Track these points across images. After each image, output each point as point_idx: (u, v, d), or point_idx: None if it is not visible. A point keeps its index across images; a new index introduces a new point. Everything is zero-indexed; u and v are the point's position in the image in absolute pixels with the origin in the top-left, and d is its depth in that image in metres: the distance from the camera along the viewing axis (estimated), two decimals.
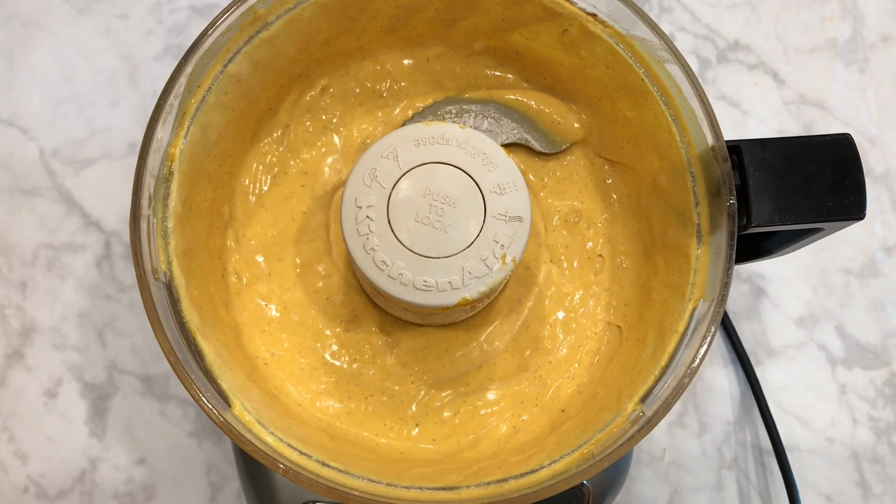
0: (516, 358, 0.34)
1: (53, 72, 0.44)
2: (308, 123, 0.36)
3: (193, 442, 0.41)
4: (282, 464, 0.27)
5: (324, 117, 0.36)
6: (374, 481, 0.29)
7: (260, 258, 0.35)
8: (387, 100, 0.36)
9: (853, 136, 0.29)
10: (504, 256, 0.29)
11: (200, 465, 0.40)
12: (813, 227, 0.29)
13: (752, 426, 0.42)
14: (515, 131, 0.36)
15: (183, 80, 0.30)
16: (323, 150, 0.36)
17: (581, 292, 0.35)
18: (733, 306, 0.43)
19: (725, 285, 0.28)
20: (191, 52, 0.30)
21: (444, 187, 0.29)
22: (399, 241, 0.29)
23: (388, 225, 0.29)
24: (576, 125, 0.36)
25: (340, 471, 0.29)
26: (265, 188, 0.35)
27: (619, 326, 0.34)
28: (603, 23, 0.32)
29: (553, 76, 0.36)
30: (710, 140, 0.30)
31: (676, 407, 0.42)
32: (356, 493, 0.28)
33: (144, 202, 0.29)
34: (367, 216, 0.29)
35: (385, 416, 0.33)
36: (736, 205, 0.29)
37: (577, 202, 0.36)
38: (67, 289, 0.42)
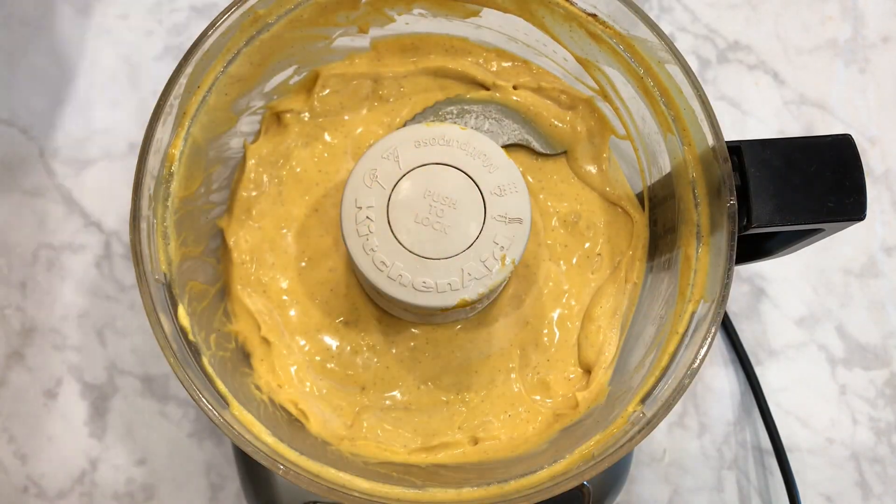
0: (515, 356, 0.34)
1: (53, 72, 0.44)
2: (309, 123, 0.36)
3: (193, 442, 0.41)
4: (282, 464, 0.27)
5: (324, 118, 0.36)
6: (373, 481, 0.29)
7: (261, 257, 0.35)
8: (388, 100, 0.36)
9: (853, 137, 0.29)
10: (504, 258, 0.29)
11: (200, 465, 0.40)
12: (813, 227, 0.29)
13: (752, 426, 0.42)
14: (517, 132, 0.36)
15: (183, 80, 0.30)
16: (325, 151, 0.36)
17: (579, 291, 0.35)
18: (733, 306, 0.43)
19: (726, 286, 0.28)
20: (191, 53, 0.30)
21: (445, 188, 0.29)
22: (399, 242, 0.29)
23: (387, 226, 0.29)
24: (577, 127, 0.36)
25: (340, 471, 0.29)
26: (266, 188, 0.35)
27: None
28: (603, 23, 0.32)
29: None
30: (710, 140, 0.29)
31: (677, 407, 0.42)
32: (356, 493, 0.28)
33: (144, 203, 0.29)
34: (367, 217, 0.29)
35: (383, 417, 0.33)
36: (736, 205, 0.29)
37: (577, 203, 0.36)
38: (67, 289, 0.42)
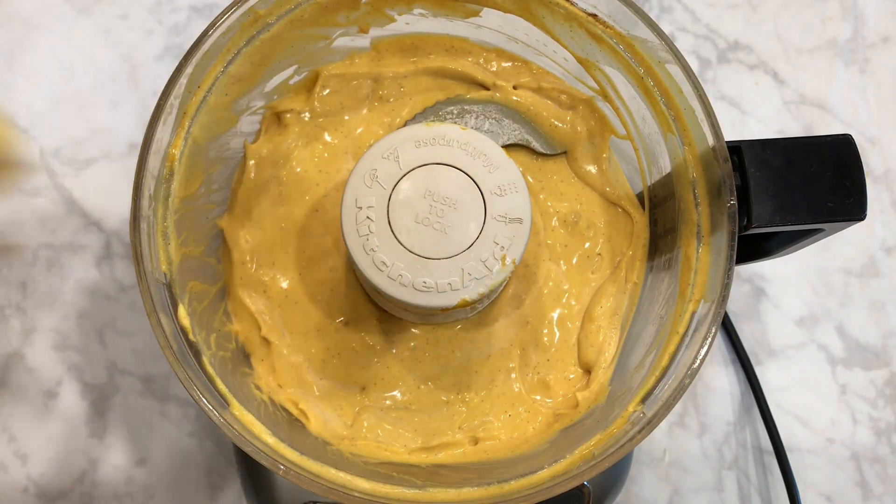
0: (516, 356, 0.34)
1: (53, 72, 0.44)
2: (309, 123, 0.36)
3: (193, 442, 0.41)
4: (282, 464, 0.27)
5: (325, 118, 0.36)
6: (374, 481, 0.29)
7: (261, 257, 0.35)
8: (388, 100, 0.36)
9: (853, 137, 0.29)
10: (504, 258, 0.29)
11: (200, 465, 0.40)
12: (813, 227, 0.29)
13: (752, 426, 0.42)
14: (517, 132, 0.36)
15: (183, 80, 0.30)
16: (325, 151, 0.36)
17: (579, 291, 0.35)
18: (733, 306, 0.43)
19: (726, 286, 0.28)
20: (191, 53, 0.30)
21: (445, 188, 0.29)
22: (399, 242, 0.29)
23: (388, 226, 0.29)
24: (577, 127, 0.36)
25: (340, 471, 0.29)
26: (266, 188, 0.35)
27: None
28: (603, 23, 0.32)
29: None
30: (710, 140, 0.30)
31: (677, 407, 0.42)
32: (356, 493, 0.28)
33: (144, 203, 0.29)
34: (368, 217, 0.29)
35: (383, 417, 0.33)
36: (736, 205, 0.29)
37: (577, 203, 0.36)
38: (67, 289, 0.42)
